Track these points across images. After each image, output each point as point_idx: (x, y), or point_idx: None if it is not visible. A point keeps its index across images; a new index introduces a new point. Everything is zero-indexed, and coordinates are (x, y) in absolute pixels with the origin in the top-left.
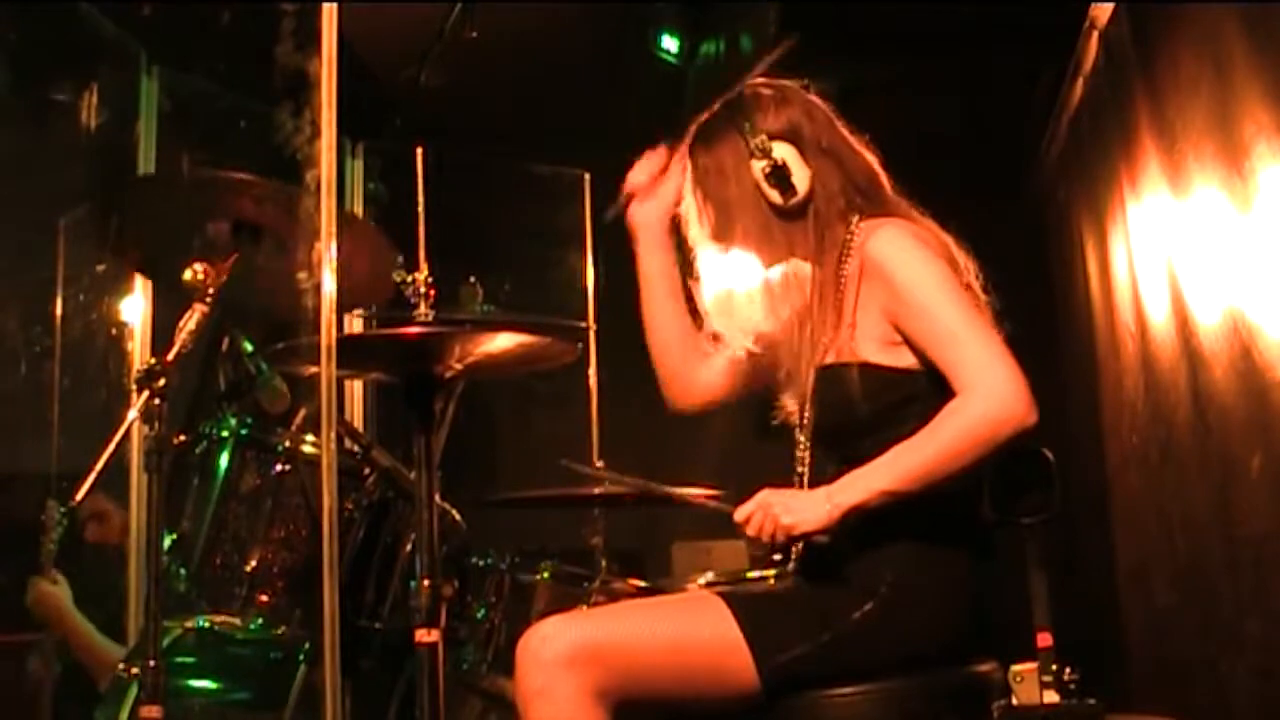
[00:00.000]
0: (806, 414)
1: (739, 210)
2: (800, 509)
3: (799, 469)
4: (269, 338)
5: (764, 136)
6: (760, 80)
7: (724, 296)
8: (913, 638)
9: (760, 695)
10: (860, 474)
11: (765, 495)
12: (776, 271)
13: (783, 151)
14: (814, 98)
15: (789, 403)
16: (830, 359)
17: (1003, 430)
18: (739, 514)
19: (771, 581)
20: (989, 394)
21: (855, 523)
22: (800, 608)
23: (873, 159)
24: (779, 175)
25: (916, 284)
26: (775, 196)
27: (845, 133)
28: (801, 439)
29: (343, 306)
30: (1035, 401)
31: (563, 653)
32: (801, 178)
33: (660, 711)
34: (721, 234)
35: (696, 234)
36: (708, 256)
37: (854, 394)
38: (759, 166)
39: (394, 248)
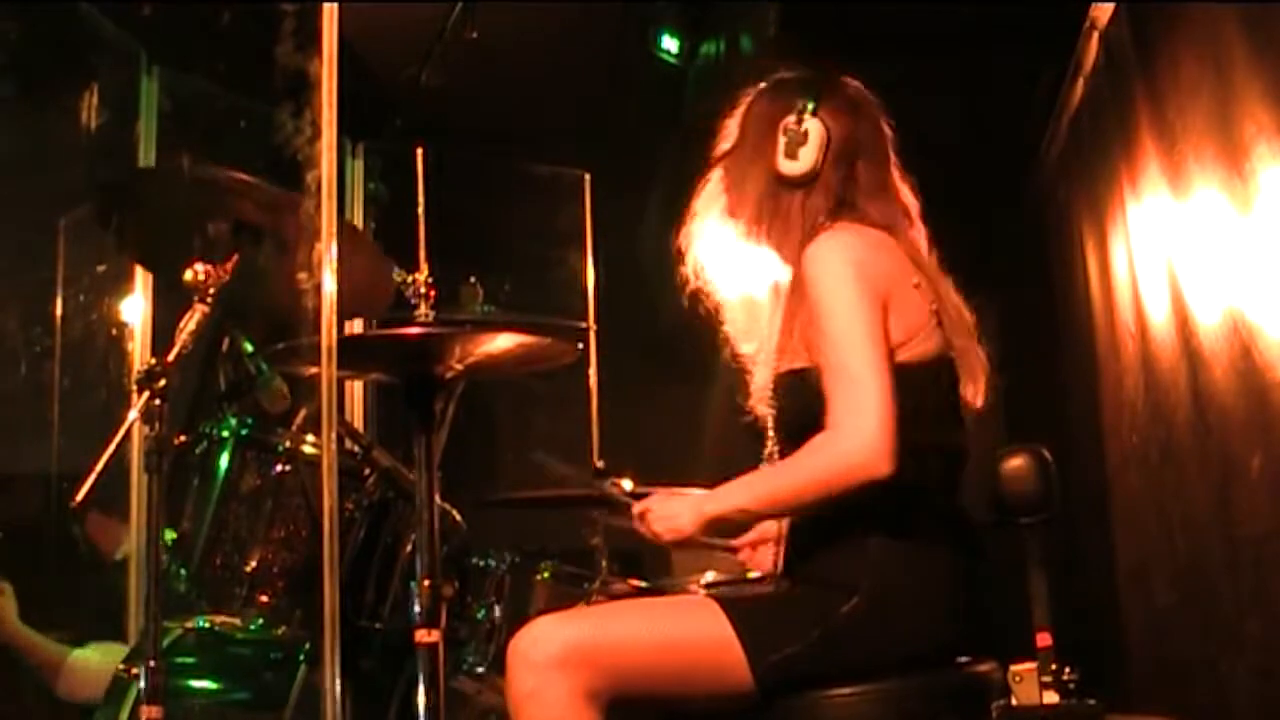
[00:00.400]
0: (772, 416)
1: (756, 149)
2: (670, 519)
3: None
4: (269, 338)
5: (811, 106)
6: (856, 81)
7: (717, 257)
8: (903, 634)
9: (755, 694)
10: (729, 488)
11: (650, 501)
12: (767, 274)
13: (812, 129)
14: (886, 128)
15: (758, 406)
16: (785, 365)
17: (852, 478)
18: (635, 509)
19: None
20: (847, 440)
21: (836, 522)
22: (790, 606)
23: (911, 203)
24: (792, 138)
25: (826, 309)
26: (780, 155)
27: (894, 171)
28: (770, 438)
29: (341, 314)
30: (895, 452)
31: (554, 654)
32: (806, 160)
33: (653, 713)
34: (732, 161)
35: (720, 152)
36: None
37: (812, 396)
38: (787, 120)
39: (390, 258)
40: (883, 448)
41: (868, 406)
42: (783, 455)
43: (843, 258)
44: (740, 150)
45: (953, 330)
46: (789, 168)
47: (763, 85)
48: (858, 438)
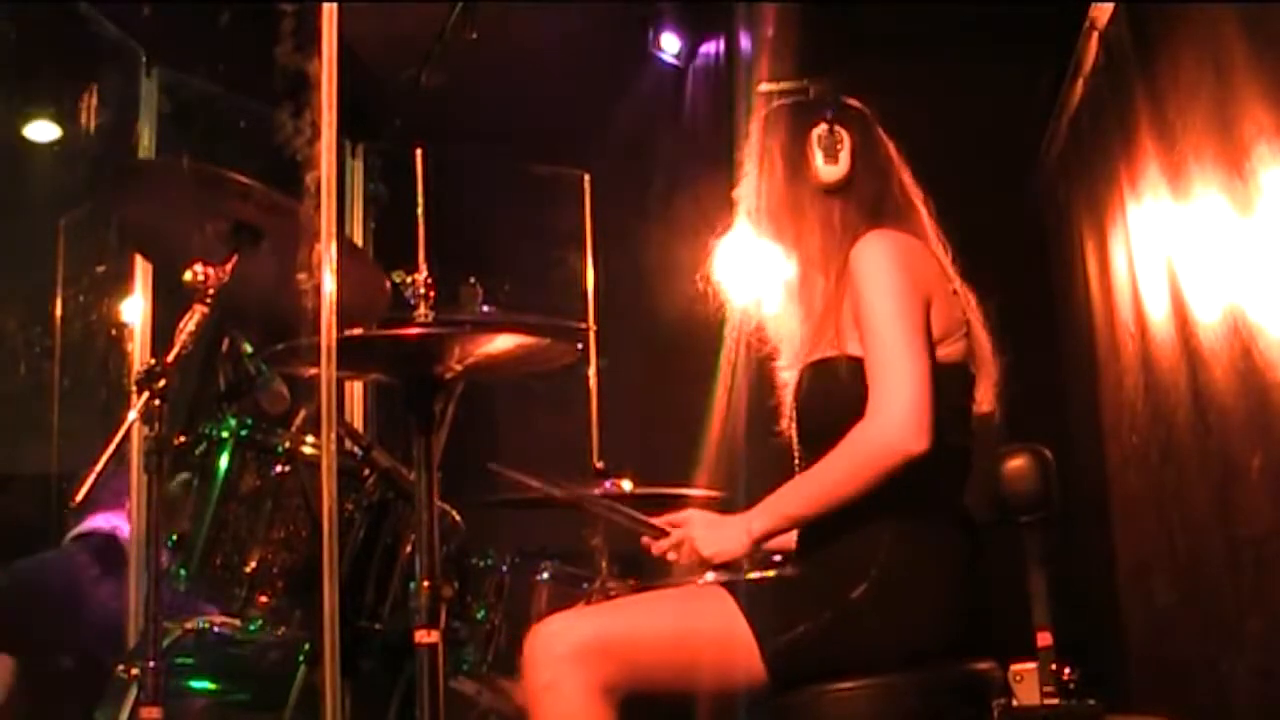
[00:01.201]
0: (792, 407)
1: (790, 161)
2: (719, 540)
3: (798, 467)
4: (268, 339)
5: (837, 114)
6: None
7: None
8: (911, 623)
9: (766, 683)
10: (774, 500)
11: (690, 526)
12: (793, 267)
13: (844, 135)
14: (893, 146)
15: (787, 411)
16: (817, 355)
17: (889, 461)
18: (665, 544)
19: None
20: (883, 424)
21: (851, 510)
22: (800, 590)
23: (929, 225)
24: (828, 144)
25: (872, 304)
26: (819, 161)
27: (914, 189)
28: (798, 450)
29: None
30: (929, 430)
31: (571, 648)
32: (844, 163)
33: (668, 705)
34: (764, 177)
35: (743, 173)
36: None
37: (842, 384)
38: (819, 130)
39: (383, 270)
40: (914, 425)
41: (901, 390)
42: (801, 443)
43: (891, 256)
44: (770, 165)
45: (974, 339)
46: (829, 172)
47: (777, 105)
48: (889, 420)
